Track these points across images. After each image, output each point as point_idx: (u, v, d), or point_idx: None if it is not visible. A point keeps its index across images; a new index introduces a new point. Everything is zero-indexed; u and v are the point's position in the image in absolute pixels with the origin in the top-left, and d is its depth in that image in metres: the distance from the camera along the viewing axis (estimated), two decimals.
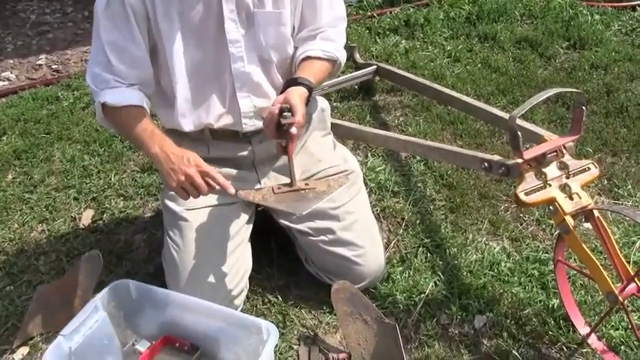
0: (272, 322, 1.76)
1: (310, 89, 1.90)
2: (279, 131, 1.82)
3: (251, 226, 2.12)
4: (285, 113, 1.78)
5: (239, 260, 2.02)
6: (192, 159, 1.79)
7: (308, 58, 1.98)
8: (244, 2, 1.88)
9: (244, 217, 2.09)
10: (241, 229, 2.06)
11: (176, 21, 1.86)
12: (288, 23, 1.97)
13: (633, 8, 4.31)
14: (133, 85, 1.91)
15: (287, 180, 1.99)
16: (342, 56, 2.07)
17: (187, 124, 1.99)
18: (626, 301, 1.74)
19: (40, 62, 4.23)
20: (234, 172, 2.08)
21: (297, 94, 1.84)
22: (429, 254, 2.30)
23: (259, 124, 2.02)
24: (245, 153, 2.08)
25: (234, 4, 1.87)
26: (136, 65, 1.89)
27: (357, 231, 2.08)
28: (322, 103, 2.26)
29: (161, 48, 1.91)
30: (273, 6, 1.92)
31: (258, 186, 2.08)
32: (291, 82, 1.91)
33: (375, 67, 3.37)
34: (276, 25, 1.94)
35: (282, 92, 1.89)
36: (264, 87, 2.00)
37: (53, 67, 4.18)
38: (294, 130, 1.79)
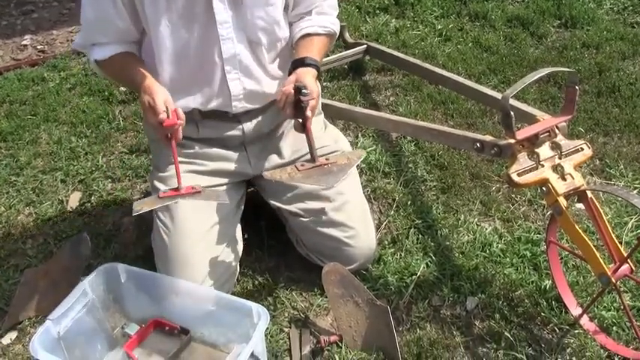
0: (262, 304, 1.74)
1: (318, 69, 1.90)
2: (296, 110, 1.81)
3: (242, 208, 2.11)
4: (303, 90, 1.77)
5: (230, 243, 2.00)
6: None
7: (307, 35, 1.98)
8: None
9: (235, 199, 2.07)
10: (232, 211, 2.04)
11: (162, 5, 1.81)
12: (277, 4, 1.92)
13: None
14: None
15: (277, 159, 2.05)
16: (337, 28, 2.08)
17: None
18: (618, 282, 1.74)
19: (25, 42, 4.17)
20: (223, 152, 2.06)
21: (310, 74, 1.84)
22: (420, 235, 2.29)
23: (249, 106, 2.00)
24: (234, 132, 2.06)
25: None
26: (123, 37, 1.92)
27: (348, 212, 2.06)
28: None
29: (145, 33, 1.88)
30: None
31: (247, 167, 2.08)
32: (298, 62, 1.90)
33: (364, 46, 3.33)
34: (264, 6, 1.90)
35: (290, 73, 1.89)
36: (253, 69, 1.97)
37: (38, 47, 4.11)
38: (313, 103, 1.80)
